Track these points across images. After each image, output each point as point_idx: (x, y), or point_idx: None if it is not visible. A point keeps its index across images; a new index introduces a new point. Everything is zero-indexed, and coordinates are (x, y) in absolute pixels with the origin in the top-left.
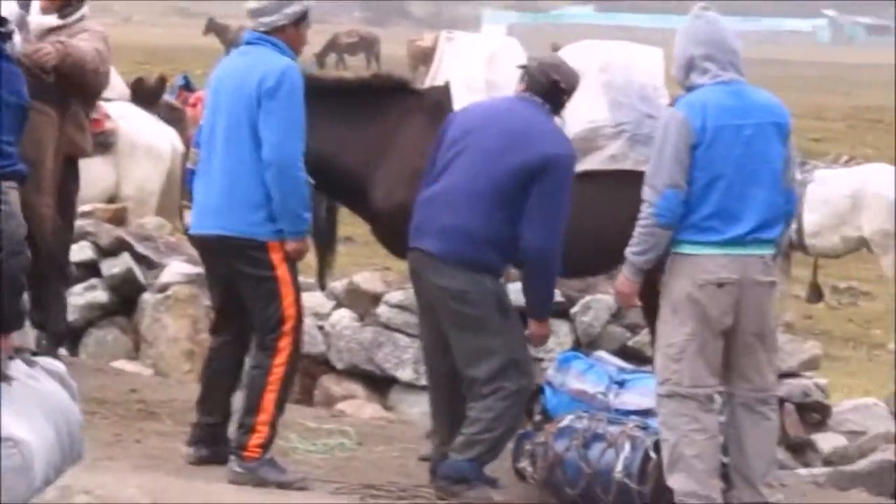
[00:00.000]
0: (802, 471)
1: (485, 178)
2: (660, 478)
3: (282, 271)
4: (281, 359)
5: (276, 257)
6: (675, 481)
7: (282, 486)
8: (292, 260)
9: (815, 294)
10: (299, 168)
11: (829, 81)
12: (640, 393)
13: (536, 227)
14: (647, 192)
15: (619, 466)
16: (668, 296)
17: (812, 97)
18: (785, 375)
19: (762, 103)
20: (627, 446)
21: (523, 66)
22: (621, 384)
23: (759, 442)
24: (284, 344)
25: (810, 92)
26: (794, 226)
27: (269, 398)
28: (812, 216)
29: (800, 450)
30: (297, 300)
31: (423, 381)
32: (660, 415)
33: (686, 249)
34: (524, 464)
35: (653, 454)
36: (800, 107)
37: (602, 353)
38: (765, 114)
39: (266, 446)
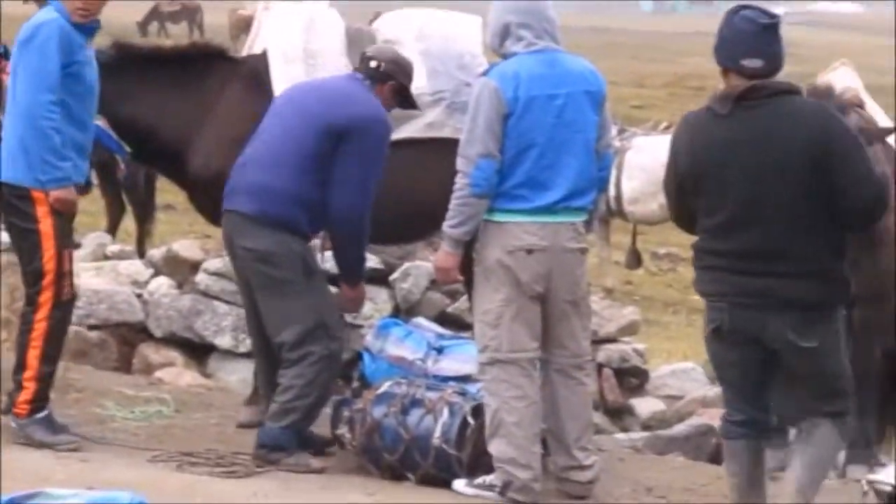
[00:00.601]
0: (621, 435)
1: (292, 139)
2: (478, 443)
3: (45, 225)
4: (42, 314)
5: (40, 210)
6: (494, 447)
7: (47, 446)
8: (60, 213)
9: (635, 260)
10: (44, 117)
11: (651, 49)
12: (459, 359)
13: (343, 191)
14: (461, 163)
15: (438, 432)
16: (481, 263)
17: (634, 65)
18: (603, 341)
19: (576, 72)
20: (446, 412)
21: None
22: (440, 350)
23: (574, 407)
24: (44, 299)
25: (632, 59)
26: (612, 192)
27: (33, 354)
28: (630, 183)
29: (618, 414)
30: (59, 255)
31: (242, 349)
32: (483, 382)
33: (497, 217)
34: (343, 430)
35: (471, 420)
36: (621, 74)
37: (421, 320)
38: (578, 82)
39: (34, 402)
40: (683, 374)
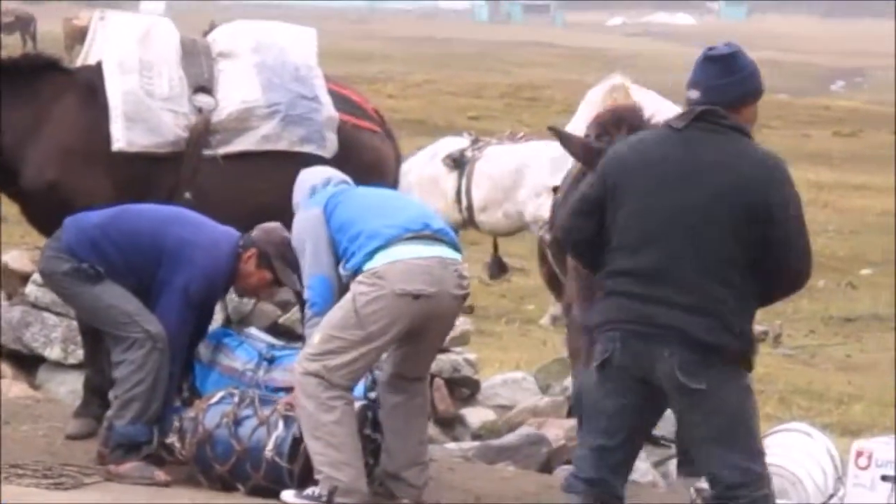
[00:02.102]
0: (451, 445)
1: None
2: (309, 458)
3: None
4: None
5: None
6: (314, 447)
7: None
8: None
9: (497, 269)
10: None
11: (487, 60)
12: (290, 369)
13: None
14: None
15: (271, 445)
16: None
17: (470, 75)
18: None
19: None
20: (281, 425)
21: None
22: (271, 361)
23: (409, 419)
24: None
25: (468, 70)
26: (464, 202)
27: None
28: (478, 192)
29: (449, 424)
30: None
31: (72, 360)
32: (298, 382)
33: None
34: (173, 439)
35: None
36: (458, 85)
37: (252, 330)
38: None
39: None
40: (514, 383)
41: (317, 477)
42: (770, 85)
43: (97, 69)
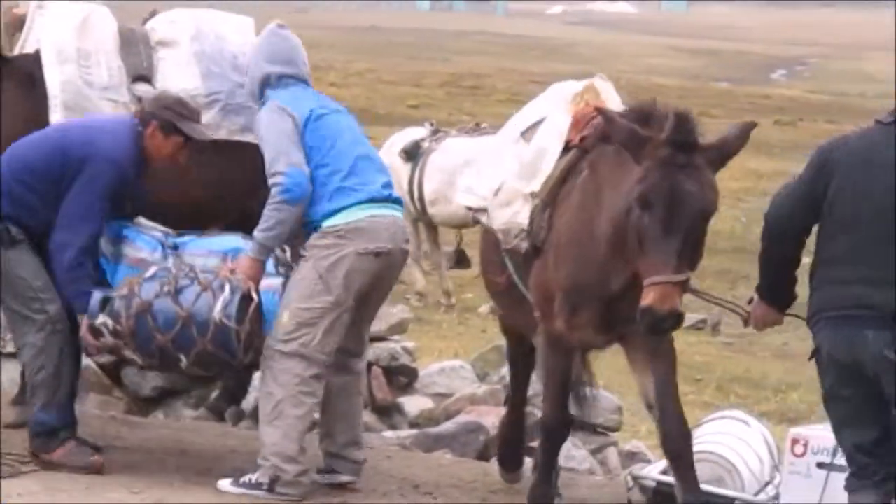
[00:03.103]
0: (389, 433)
1: None
2: (254, 322)
3: None
4: None
5: None
6: (269, 436)
7: None
8: None
9: (459, 260)
10: None
11: (428, 49)
12: (200, 253)
13: (59, 224)
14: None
15: (218, 307)
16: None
17: (411, 64)
18: (373, 339)
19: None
20: (227, 288)
21: None
22: (175, 248)
23: (351, 400)
24: None
25: (409, 59)
26: (416, 194)
27: None
28: (429, 185)
29: (386, 412)
30: None
31: (10, 348)
32: (270, 368)
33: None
34: (103, 320)
35: (255, 296)
36: (399, 74)
37: (141, 219)
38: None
39: None
40: (452, 372)
41: (260, 462)
42: (711, 74)
43: (35, 57)
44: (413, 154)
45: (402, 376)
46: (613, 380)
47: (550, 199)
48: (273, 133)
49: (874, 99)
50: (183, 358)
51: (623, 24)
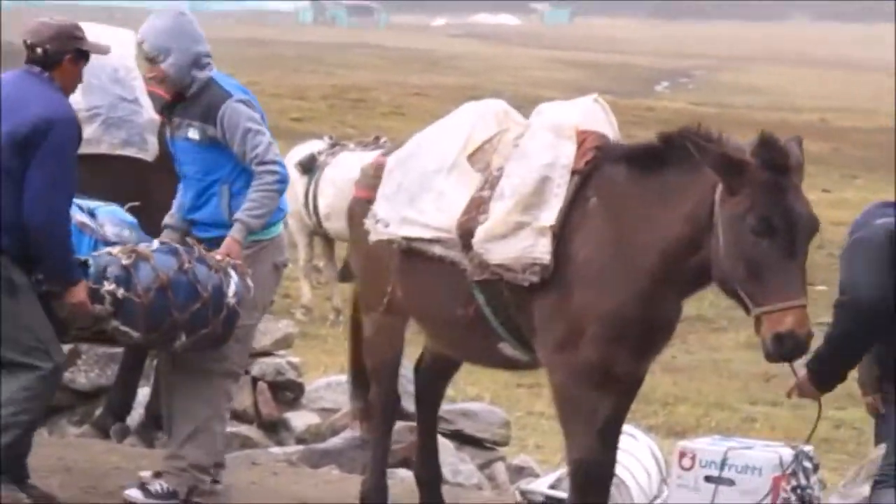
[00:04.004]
0: (275, 449)
1: None
2: None
3: None
4: None
5: None
6: (192, 453)
7: None
8: None
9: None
10: None
11: (310, 62)
12: (114, 222)
13: (37, 199)
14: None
15: (231, 291)
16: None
17: (293, 77)
18: (259, 354)
19: None
20: (233, 274)
21: None
22: (92, 213)
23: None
24: None
25: (292, 72)
26: (311, 207)
27: None
28: (323, 199)
29: (273, 428)
30: None
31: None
32: (197, 387)
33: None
34: (111, 287)
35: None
36: (281, 87)
37: None
38: None
39: None
40: (339, 386)
41: (172, 471)
42: (594, 86)
43: None
44: (309, 167)
45: (288, 391)
46: (500, 394)
47: (556, 229)
48: (258, 123)
49: (761, 111)
50: (184, 337)
51: (506, 36)
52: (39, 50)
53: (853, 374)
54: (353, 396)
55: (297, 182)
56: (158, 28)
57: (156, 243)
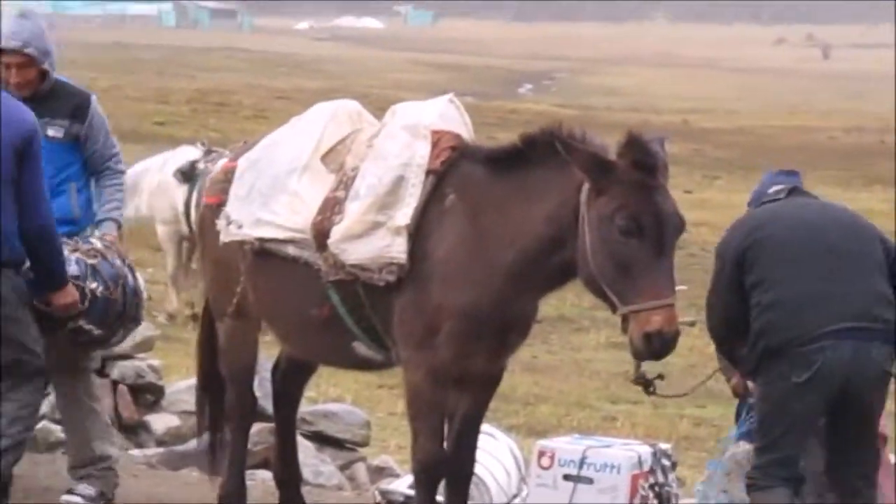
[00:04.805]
0: (135, 451)
1: None
2: None
3: None
4: None
5: None
6: (109, 448)
7: None
8: None
9: None
10: None
11: (173, 65)
12: None
13: (36, 205)
14: None
15: (142, 283)
16: None
17: (156, 81)
18: (118, 357)
19: None
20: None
21: None
22: None
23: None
24: None
25: (155, 75)
26: (192, 216)
27: None
28: None
29: (133, 431)
30: None
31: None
32: (91, 388)
33: None
34: (95, 284)
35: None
36: (143, 91)
37: None
38: None
39: None
40: None
41: (100, 472)
42: (456, 88)
43: None
44: (189, 175)
45: (148, 394)
46: (361, 395)
47: (412, 228)
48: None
49: (621, 112)
50: (122, 333)
51: (370, 39)
52: None
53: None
54: (199, 405)
55: (175, 189)
56: (37, 30)
57: (82, 241)
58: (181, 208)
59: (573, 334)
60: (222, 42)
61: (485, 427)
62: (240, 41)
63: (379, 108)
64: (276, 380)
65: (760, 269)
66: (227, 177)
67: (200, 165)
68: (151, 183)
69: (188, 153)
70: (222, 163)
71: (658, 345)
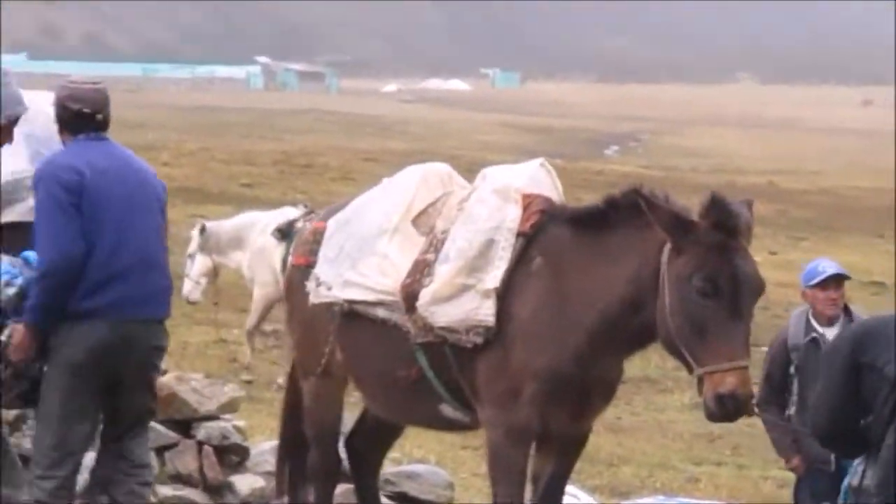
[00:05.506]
0: None
1: (153, 230)
2: None
3: None
4: None
5: None
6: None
7: None
8: None
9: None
10: None
11: (260, 128)
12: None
13: (42, 246)
14: None
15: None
16: None
17: (243, 143)
18: (204, 419)
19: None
20: None
21: None
22: None
23: None
24: None
25: (242, 137)
26: None
27: None
28: None
29: (217, 491)
30: None
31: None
32: None
33: None
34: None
35: None
36: (231, 152)
37: None
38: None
39: None
40: None
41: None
42: (544, 150)
43: None
44: (287, 233)
45: (233, 455)
46: (445, 455)
47: (501, 290)
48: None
49: (706, 174)
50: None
51: (457, 101)
52: None
53: None
54: (279, 466)
55: (273, 249)
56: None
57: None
58: (279, 266)
59: (657, 395)
60: (309, 104)
61: (568, 488)
62: (327, 103)
63: (466, 169)
64: (355, 445)
65: None
66: (316, 238)
67: (299, 224)
68: (254, 244)
69: (289, 213)
70: (311, 224)
71: (731, 406)
